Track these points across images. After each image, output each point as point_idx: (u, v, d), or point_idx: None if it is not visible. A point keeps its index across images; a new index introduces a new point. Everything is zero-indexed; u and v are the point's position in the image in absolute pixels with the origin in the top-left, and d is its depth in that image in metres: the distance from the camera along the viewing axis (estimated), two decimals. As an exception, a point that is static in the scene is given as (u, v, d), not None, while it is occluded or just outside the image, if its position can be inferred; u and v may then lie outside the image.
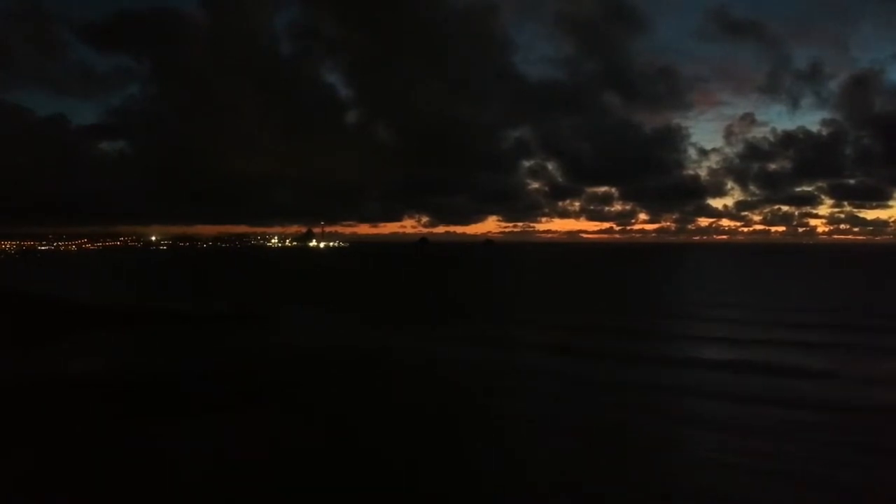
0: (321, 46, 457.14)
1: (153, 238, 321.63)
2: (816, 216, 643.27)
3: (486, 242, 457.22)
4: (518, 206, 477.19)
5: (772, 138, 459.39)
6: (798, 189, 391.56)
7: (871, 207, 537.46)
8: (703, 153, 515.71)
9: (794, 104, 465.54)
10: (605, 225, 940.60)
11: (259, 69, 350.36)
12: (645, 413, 20.06)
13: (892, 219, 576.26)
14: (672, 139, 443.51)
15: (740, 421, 18.95)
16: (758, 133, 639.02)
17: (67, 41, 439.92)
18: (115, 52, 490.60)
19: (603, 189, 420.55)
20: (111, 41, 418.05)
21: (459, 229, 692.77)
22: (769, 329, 38.27)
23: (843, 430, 18.11)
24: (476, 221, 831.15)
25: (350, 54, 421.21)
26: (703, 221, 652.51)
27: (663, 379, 25.08)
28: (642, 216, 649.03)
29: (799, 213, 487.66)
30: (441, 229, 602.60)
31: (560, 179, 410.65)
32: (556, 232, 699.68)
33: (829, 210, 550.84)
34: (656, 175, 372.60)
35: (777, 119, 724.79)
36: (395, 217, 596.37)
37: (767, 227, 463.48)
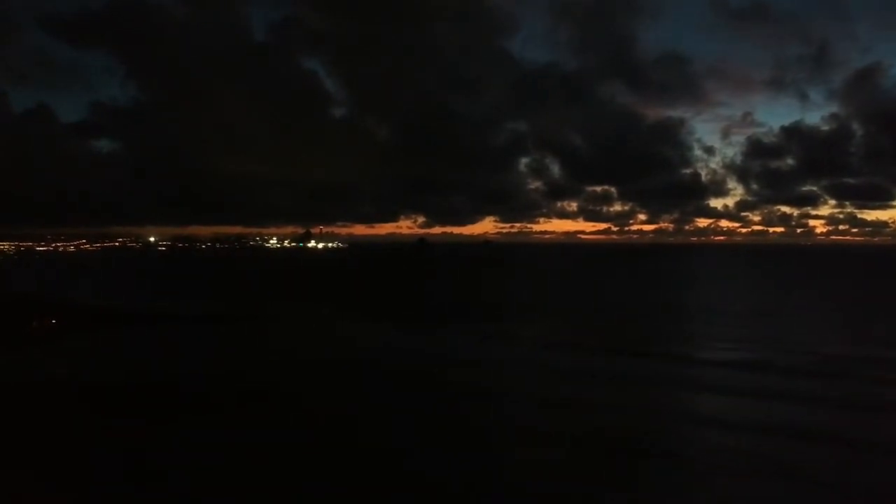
0: (306, 39, 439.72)
1: (151, 239, 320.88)
2: (816, 217, 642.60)
3: (485, 243, 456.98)
4: (515, 206, 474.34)
5: (773, 136, 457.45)
6: (801, 188, 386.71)
7: (874, 207, 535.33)
8: (705, 151, 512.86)
9: (800, 98, 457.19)
10: (603, 226, 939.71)
11: (242, 64, 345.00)
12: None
13: (892, 220, 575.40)
14: (674, 136, 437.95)
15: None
16: (759, 131, 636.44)
17: (37, 34, 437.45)
18: (88, 46, 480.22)
19: (602, 188, 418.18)
20: (84, 36, 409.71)
21: (456, 230, 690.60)
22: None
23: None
24: (473, 222, 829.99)
25: (336, 46, 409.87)
26: (703, 222, 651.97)
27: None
28: (641, 216, 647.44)
29: (798, 214, 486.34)
30: (437, 230, 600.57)
31: (558, 178, 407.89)
32: (553, 233, 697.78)
33: (830, 210, 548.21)
34: (656, 174, 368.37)
35: (779, 117, 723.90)
36: (391, 218, 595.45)
37: (766, 228, 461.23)
